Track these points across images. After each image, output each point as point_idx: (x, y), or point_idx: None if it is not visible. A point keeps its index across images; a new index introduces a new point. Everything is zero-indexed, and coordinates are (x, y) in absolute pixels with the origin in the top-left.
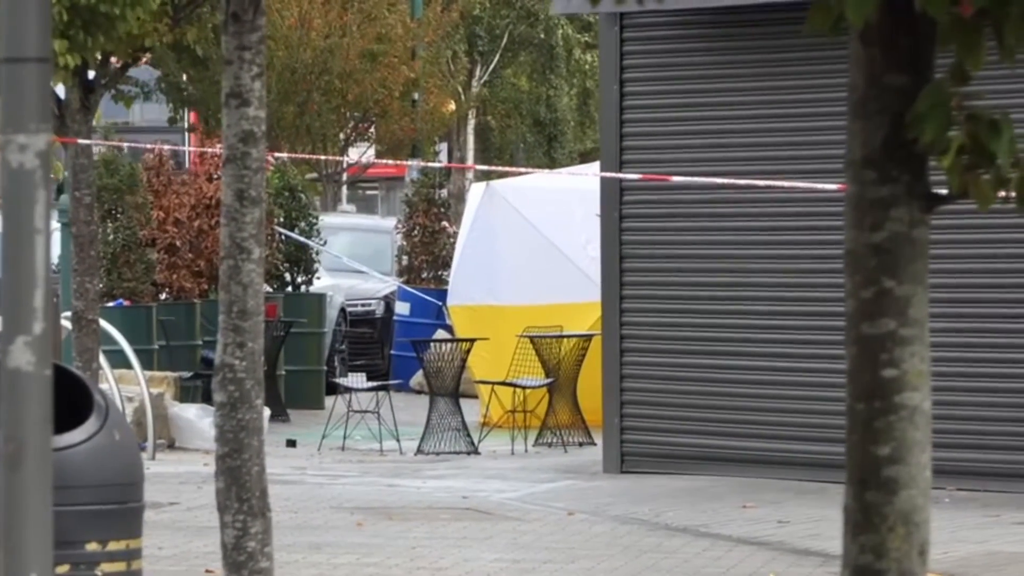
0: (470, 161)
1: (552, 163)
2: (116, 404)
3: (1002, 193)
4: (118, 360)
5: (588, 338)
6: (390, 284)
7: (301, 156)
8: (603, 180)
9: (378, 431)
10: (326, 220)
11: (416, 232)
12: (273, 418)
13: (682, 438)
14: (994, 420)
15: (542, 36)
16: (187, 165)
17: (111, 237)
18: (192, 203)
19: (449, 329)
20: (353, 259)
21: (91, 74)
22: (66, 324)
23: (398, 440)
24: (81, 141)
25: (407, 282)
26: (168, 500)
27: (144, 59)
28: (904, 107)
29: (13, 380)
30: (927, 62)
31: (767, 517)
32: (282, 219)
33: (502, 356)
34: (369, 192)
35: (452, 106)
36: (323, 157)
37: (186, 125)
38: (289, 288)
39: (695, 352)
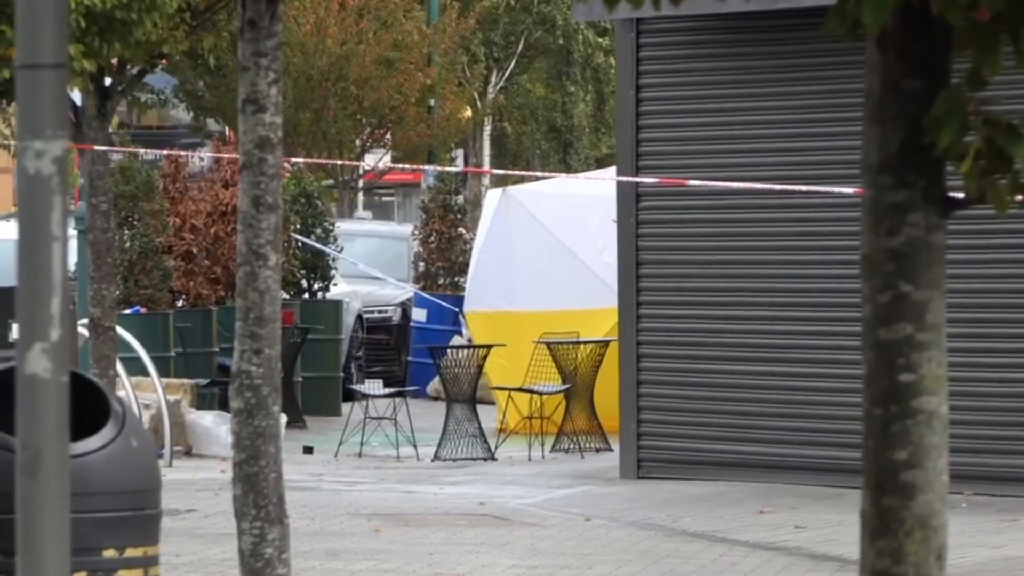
0: (486, 168)
1: (568, 169)
2: (133, 411)
3: (1019, 197)
4: (135, 367)
5: (605, 344)
6: (407, 290)
7: (317, 162)
8: (619, 185)
9: (395, 437)
10: (342, 227)
11: (432, 238)
12: (290, 425)
13: (699, 443)
14: (1011, 425)
15: (560, 42)
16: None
17: (128, 244)
18: (208, 210)
19: (468, 338)
20: (370, 266)
21: (107, 80)
22: (83, 331)
23: (415, 446)
24: (97, 148)
25: (424, 288)
26: (186, 507)
27: (160, 66)
28: (920, 112)
29: (30, 387)
30: (943, 67)
31: (784, 523)
32: (298, 226)
33: (519, 362)
34: (385, 199)
35: (468, 112)
36: (339, 163)
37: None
38: (306, 295)
39: (712, 358)
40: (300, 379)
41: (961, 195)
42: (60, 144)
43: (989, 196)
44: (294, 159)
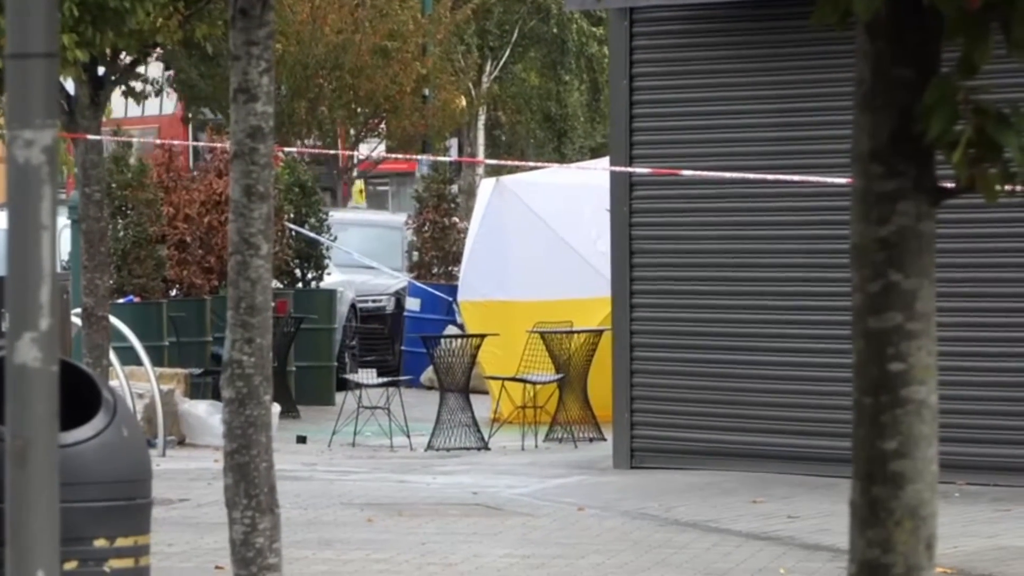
0: (480, 157)
1: (562, 159)
2: (125, 400)
3: (1008, 187)
4: (129, 357)
5: (598, 333)
6: (400, 280)
7: (311, 151)
8: (613, 175)
9: (388, 427)
10: (336, 216)
11: (426, 228)
12: (283, 414)
13: (692, 433)
14: (1004, 414)
15: (554, 31)
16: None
17: (121, 234)
18: (202, 199)
19: (459, 325)
20: (363, 255)
21: (101, 70)
22: (76, 321)
23: (408, 436)
24: (91, 137)
25: (417, 278)
26: (178, 497)
27: (154, 55)
28: (911, 101)
29: (19, 376)
30: (934, 56)
31: (777, 512)
32: (292, 215)
33: (512, 352)
34: (380, 188)
35: (463, 102)
36: (333, 152)
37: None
38: (299, 284)
39: (705, 347)
40: (294, 368)
41: (951, 184)
42: (49, 133)
43: (979, 185)
44: (287, 148)
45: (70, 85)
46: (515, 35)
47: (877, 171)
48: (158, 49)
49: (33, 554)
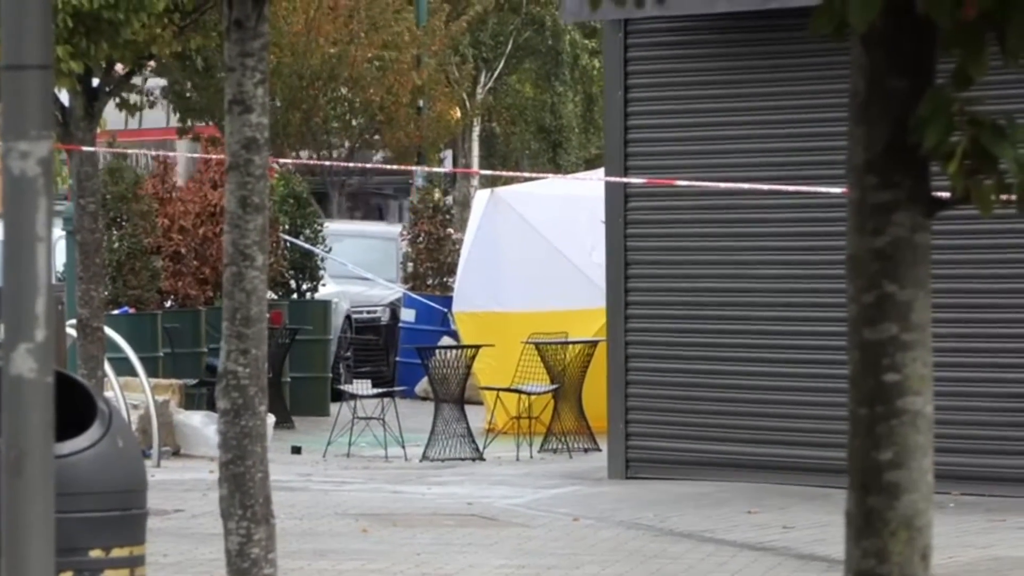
0: (475, 168)
1: (557, 170)
2: (120, 411)
3: (1003, 197)
4: (123, 368)
5: (593, 344)
6: (395, 291)
7: (306, 163)
8: (608, 186)
9: (383, 438)
10: (331, 227)
11: (421, 239)
12: (278, 425)
13: (687, 444)
14: (999, 425)
15: (548, 43)
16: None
17: (116, 245)
18: (197, 210)
19: (454, 336)
20: (358, 266)
21: (95, 81)
22: (71, 332)
23: (403, 447)
24: (85, 148)
25: (412, 289)
26: (173, 507)
27: (148, 66)
28: (906, 112)
29: (15, 387)
30: (929, 66)
31: (772, 523)
32: (287, 226)
33: (507, 362)
34: (375, 199)
35: (457, 113)
36: (328, 163)
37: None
38: (294, 295)
39: (700, 358)
40: (288, 379)
41: (946, 195)
42: (45, 145)
43: (974, 196)
44: (283, 160)
45: (64, 96)
46: (509, 46)
47: (872, 182)
48: (152, 61)
49: (29, 565)
